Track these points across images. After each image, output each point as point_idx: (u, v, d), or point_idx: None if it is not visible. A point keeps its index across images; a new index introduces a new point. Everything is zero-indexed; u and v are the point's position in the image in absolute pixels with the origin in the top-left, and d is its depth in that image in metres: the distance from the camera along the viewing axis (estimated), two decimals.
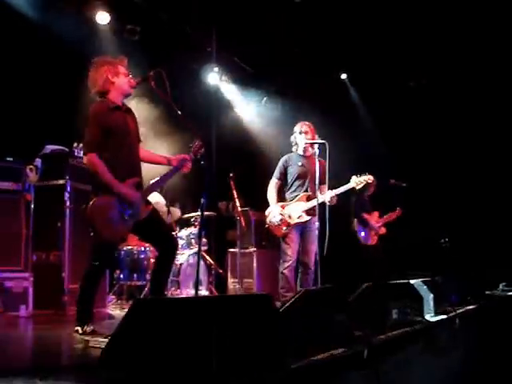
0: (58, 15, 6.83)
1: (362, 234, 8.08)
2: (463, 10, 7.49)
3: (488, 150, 8.88)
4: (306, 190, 5.77)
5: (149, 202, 4.24)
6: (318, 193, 5.36)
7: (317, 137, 5.79)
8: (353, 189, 5.77)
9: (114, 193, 3.97)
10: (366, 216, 8.08)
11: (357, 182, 5.66)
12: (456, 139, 9.05)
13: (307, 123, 5.92)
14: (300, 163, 5.84)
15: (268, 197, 5.87)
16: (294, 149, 5.99)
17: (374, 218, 8.19)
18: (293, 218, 5.68)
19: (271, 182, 5.93)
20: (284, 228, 5.66)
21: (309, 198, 5.71)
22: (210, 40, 8.71)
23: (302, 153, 5.89)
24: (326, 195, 5.47)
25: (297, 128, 5.91)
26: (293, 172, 5.84)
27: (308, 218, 5.66)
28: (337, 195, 5.56)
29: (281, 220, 5.67)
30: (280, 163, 5.94)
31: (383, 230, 8.21)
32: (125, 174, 4.06)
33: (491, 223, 8.71)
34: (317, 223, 5.37)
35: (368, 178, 5.69)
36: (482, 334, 5.42)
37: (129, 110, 4.34)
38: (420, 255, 8.16)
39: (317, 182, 5.34)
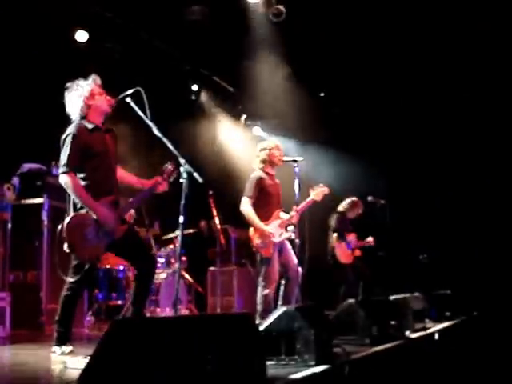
0: (36, 33, 6.82)
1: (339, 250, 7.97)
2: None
3: (466, 164, 8.99)
4: (277, 208, 5.70)
5: (125, 221, 4.23)
6: (280, 211, 5.66)
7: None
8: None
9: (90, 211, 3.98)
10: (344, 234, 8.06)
11: (315, 193, 5.78)
12: (435, 155, 9.15)
13: (277, 142, 5.91)
14: (270, 182, 5.73)
15: (251, 217, 5.49)
16: (260, 166, 5.76)
17: (351, 238, 8.15)
18: (276, 236, 5.52)
19: (248, 201, 5.54)
20: (272, 247, 5.46)
21: (280, 216, 5.66)
22: (190, 58, 8.76)
23: (269, 171, 5.77)
24: (294, 211, 5.53)
25: (270, 145, 5.79)
26: (267, 190, 5.65)
27: (287, 234, 5.60)
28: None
29: (269, 239, 5.47)
30: (255, 181, 5.61)
31: (358, 253, 8.14)
32: (101, 194, 4.07)
33: (471, 239, 8.80)
34: (297, 240, 5.40)
35: (325, 189, 5.83)
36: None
37: (109, 130, 4.32)
38: (399, 271, 8.19)
39: (297, 198, 5.44)
